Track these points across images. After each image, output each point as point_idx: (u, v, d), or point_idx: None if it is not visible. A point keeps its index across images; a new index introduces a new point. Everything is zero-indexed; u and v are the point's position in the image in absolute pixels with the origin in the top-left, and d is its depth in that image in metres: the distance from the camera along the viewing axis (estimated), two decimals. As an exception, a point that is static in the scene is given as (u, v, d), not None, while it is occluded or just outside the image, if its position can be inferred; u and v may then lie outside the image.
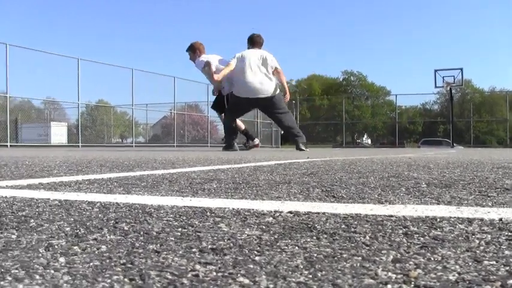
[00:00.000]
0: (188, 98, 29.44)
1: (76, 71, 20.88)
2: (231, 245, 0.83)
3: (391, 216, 1.14)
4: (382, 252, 0.79)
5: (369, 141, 57.79)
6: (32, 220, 1.07)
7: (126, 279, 0.62)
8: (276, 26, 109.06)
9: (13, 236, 0.90)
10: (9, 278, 0.63)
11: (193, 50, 9.42)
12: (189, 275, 0.65)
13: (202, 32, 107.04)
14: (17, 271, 0.66)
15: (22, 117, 25.24)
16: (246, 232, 0.94)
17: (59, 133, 25.84)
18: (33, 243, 0.84)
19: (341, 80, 72.99)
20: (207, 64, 9.09)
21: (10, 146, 17.87)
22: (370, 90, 68.14)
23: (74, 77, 21.08)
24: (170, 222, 1.04)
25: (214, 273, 0.66)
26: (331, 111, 52.70)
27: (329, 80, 73.65)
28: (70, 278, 0.63)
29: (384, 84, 79.88)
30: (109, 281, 0.62)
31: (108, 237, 0.89)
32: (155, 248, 0.80)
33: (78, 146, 20.66)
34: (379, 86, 69.79)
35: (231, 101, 8.85)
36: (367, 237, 0.90)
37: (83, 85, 21.22)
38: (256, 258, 0.74)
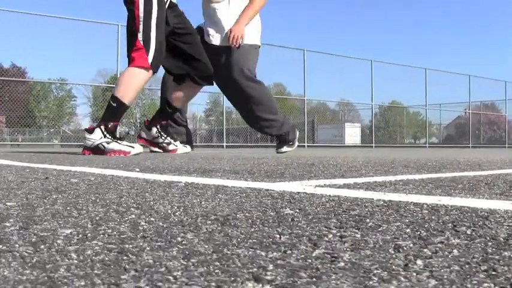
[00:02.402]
0: (484, 97, 28.31)
1: (369, 73, 21.35)
2: None
3: None
4: None
5: None
6: (368, 220, 1.09)
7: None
8: None
9: (357, 236, 0.91)
10: (375, 279, 0.64)
11: None
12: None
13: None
14: (379, 271, 0.67)
15: (318, 119, 26.43)
16: None
17: (352, 134, 26.65)
18: (380, 243, 0.84)
19: None
20: None
21: (307, 146, 18.83)
22: None
23: (367, 78, 21.56)
24: (514, 228, 0.98)
25: None
26: None
27: None
28: (437, 283, 0.61)
29: None
30: (480, 288, 0.60)
31: (454, 241, 0.86)
32: (511, 255, 0.75)
33: (372, 146, 21.05)
34: None
35: None
36: None
37: (376, 86, 21.62)
38: None
